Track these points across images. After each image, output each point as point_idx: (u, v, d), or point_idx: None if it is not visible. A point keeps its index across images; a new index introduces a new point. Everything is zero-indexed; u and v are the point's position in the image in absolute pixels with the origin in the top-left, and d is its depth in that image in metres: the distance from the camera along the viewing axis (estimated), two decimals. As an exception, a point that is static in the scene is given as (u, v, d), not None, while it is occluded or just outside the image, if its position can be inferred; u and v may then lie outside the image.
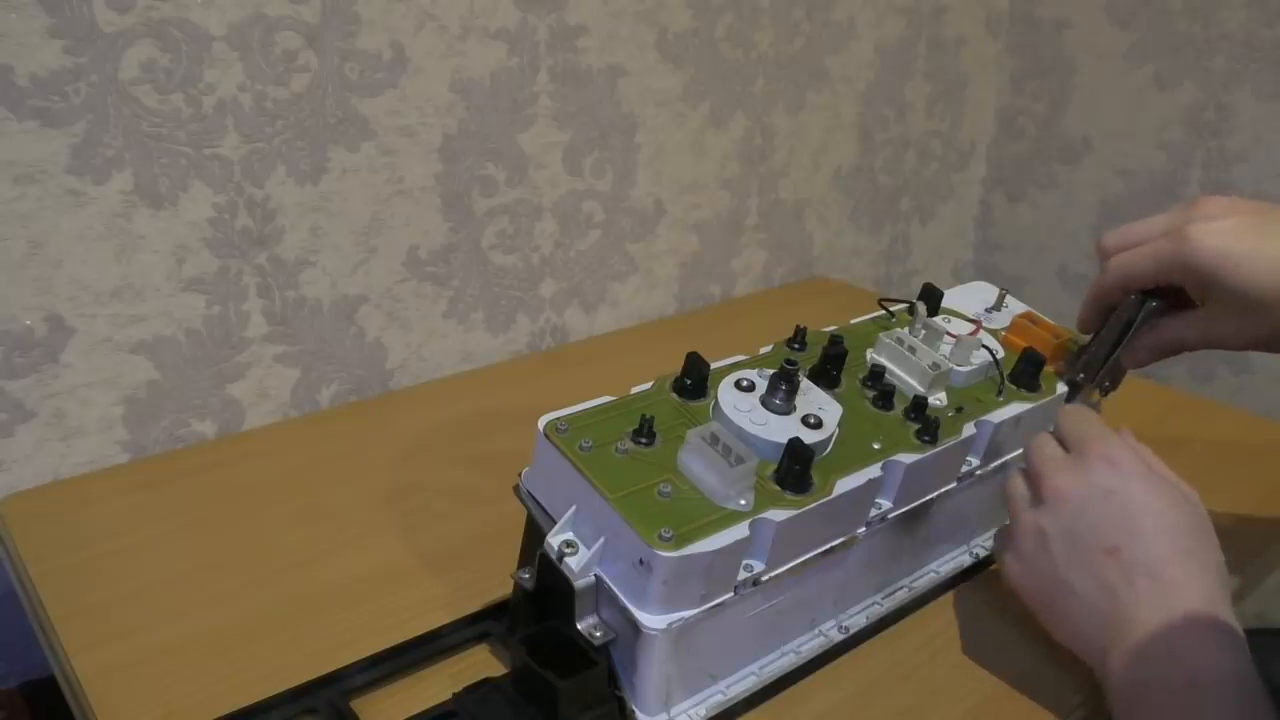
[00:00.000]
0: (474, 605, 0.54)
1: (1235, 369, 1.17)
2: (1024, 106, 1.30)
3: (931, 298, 0.60)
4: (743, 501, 0.45)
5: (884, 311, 0.61)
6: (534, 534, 0.48)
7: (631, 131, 0.91)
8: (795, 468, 0.46)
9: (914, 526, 0.54)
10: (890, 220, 1.26)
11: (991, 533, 0.61)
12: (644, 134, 0.92)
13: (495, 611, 0.53)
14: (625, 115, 0.89)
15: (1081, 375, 0.59)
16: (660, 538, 0.41)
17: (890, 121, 1.19)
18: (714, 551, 0.42)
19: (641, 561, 0.42)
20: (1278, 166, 1.10)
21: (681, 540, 0.42)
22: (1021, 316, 0.62)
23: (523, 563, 0.49)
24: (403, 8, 0.72)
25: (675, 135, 0.94)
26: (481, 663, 0.51)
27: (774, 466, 0.46)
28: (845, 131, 1.13)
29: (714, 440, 0.45)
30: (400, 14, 0.72)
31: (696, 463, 0.45)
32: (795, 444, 0.46)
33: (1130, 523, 0.47)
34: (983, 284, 0.66)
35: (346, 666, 0.49)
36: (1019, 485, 0.52)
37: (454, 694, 0.46)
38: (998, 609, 0.56)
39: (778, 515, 0.44)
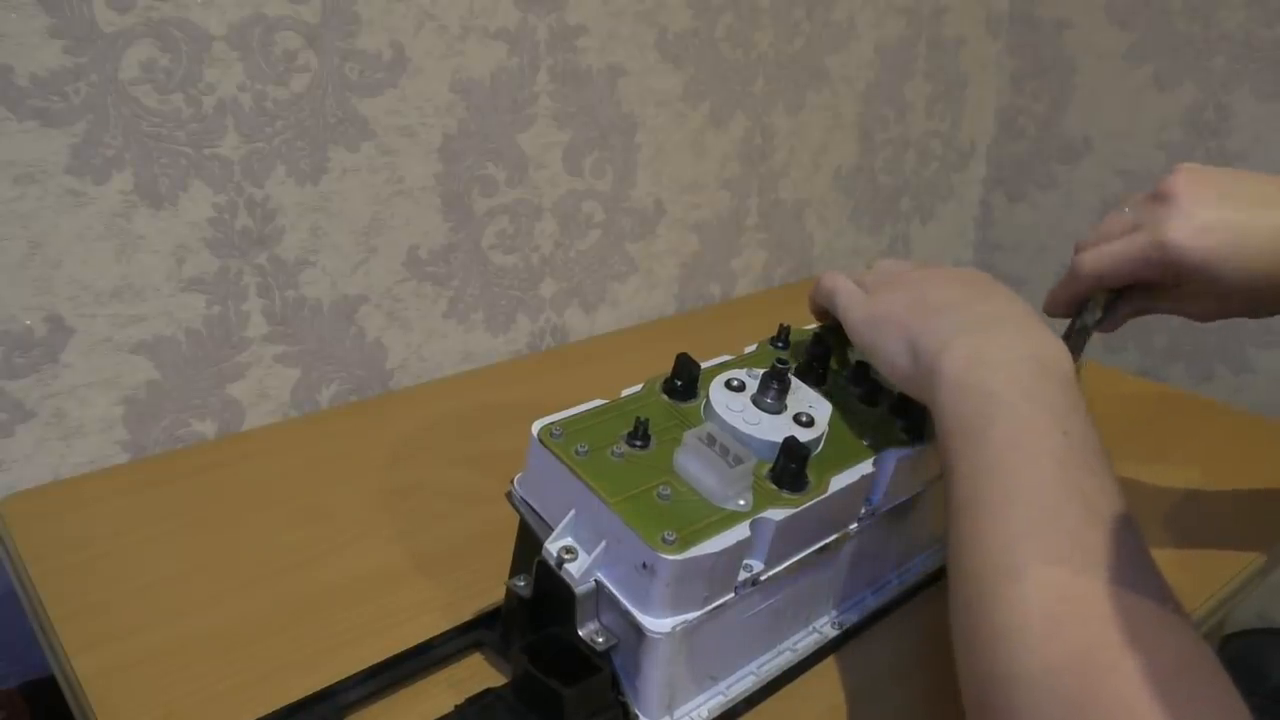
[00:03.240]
0: (475, 605, 0.54)
1: (1235, 368, 1.17)
2: (1024, 106, 1.30)
3: None
4: (741, 502, 0.45)
5: None
6: (528, 540, 0.48)
7: (631, 131, 0.91)
8: (792, 466, 0.46)
9: (903, 521, 0.55)
10: (890, 220, 1.26)
11: None
12: (644, 134, 0.92)
13: (488, 620, 0.53)
14: (625, 115, 0.89)
15: None
16: (663, 540, 0.41)
17: (890, 121, 1.19)
18: (717, 553, 0.42)
19: (644, 565, 0.42)
20: (1277, 166, 1.09)
21: (685, 543, 0.42)
22: None
23: (516, 570, 0.49)
24: (403, 8, 0.72)
25: (675, 135, 0.94)
26: (476, 673, 0.51)
27: (770, 466, 0.46)
28: (845, 131, 1.13)
29: (711, 441, 0.45)
30: (400, 14, 0.72)
31: (694, 464, 0.45)
32: (791, 442, 0.46)
33: (989, 282, 0.51)
34: None
35: (339, 682, 0.48)
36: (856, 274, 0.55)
37: (456, 706, 0.46)
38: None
39: (777, 514, 0.45)
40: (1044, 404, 0.42)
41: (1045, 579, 0.37)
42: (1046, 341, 0.46)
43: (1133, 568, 0.37)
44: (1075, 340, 0.56)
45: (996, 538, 0.39)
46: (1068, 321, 0.58)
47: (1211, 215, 0.50)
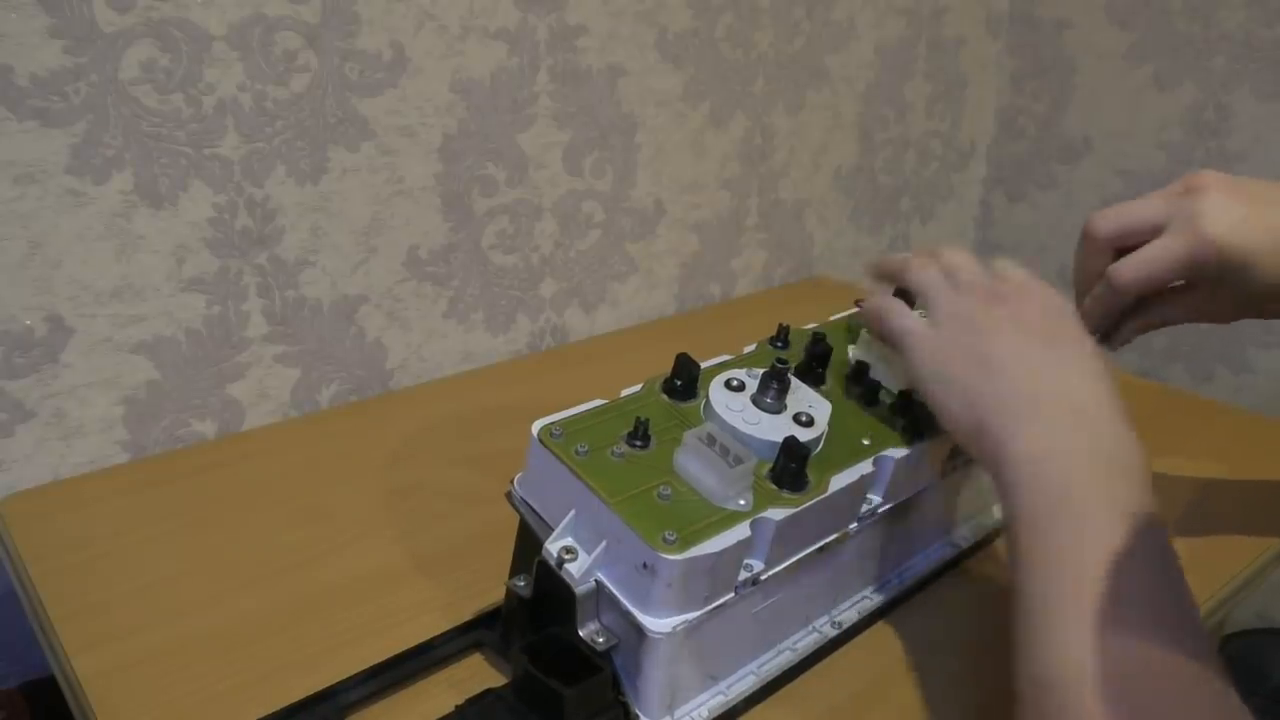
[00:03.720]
0: (475, 605, 0.54)
1: (1235, 369, 1.17)
2: (1024, 106, 1.30)
3: (908, 294, 0.60)
4: (742, 501, 0.45)
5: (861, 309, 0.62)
6: (528, 540, 0.48)
7: (631, 131, 0.91)
8: (792, 466, 0.46)
9: (901, 520, 0.55)
10: (890, 220, 1.26)
11: (973, 523, 0.62)
12: (644, 134, 0.92)
13: (488, 620, 0.53)
14: (625, 115, 0.89)
15: None
16: (664, 540, 0.41)
17: (890, 121, 1.19)
18: (717, 553, 0.42)
19: (645, 565, 0.42)
20: (1277, 166, 1.10)
21: (685, 542, 0.42)
22: None
23: (516, 570, 0.49)
24: (403, 8, 0.72)
25: (675, 135, 0.94)
26: (476, 673, 0.51)
27: (770, 465, 0.46)
28: (845, 131, 1.13)
29: (711, 441, 0.45)
30: (400, 14, 0.72)
31: (694, 464, 0.45)
32: (791, 442, 0.46)
33: (1059, 324, 0.49)
34: None
35: (339, 682, 0.48)
36: (946, 281, 0.52)
37: (456, 706, 0.46)
38: (987, 601, 0.57)
39: (777, 514, 0.44)
40: (1110, 502, 0.41)
41: (1109, 692, 0.36)
42: (1118, 431, 0.44)
43: (1196, 681, 0.36)
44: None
45: (1059, 646, 0.39)
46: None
47: (1248, 210, 0.50)
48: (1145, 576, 0.39)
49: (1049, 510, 0.42)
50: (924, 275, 0.53)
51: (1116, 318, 0.57)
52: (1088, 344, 0.48)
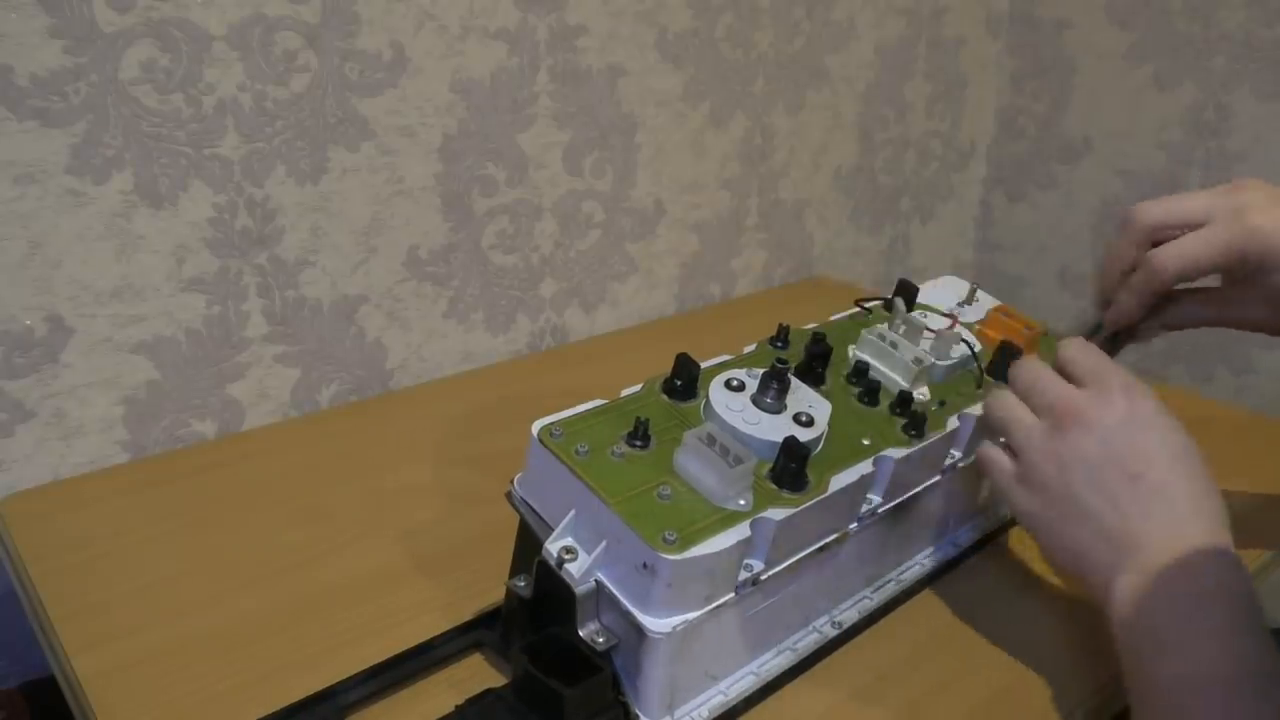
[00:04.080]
0: (474, 606, 0.54)
1: (1235, 369, 1.17)
2: (1024, 106, 1.30)
3: (907, 293, 0.61)
4: (742, 501, 0.45)
5: (861, 309, 0.62)
6: (528, 541, 0.48)
7: (631, 131, 0.91)
8: (792, 466, 0.46)
9: (901, 520, 0.55)
10: (890, 220, 1.26)
11: (972, 524, 0.62)
12: (644, 134, 0.92)
13: (488, 620, 0.53)
14: (625, 115, 0.89)
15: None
16: (664, 540, 0.41)
17: (890, 121, 1.19)
18: (717, 553, 0.42)
19: (645, 565, 0.42)
20: (1277, 166, 1.10)
21: (685, 542, 0.42)
22: (996, 310, 0.63)
23: (516, 570, 0.49)
24: (403, 8, 0.72)
25: (675, 135, 0.94)
26: (476, 673, 0.51)
27: (770, 465, 0.46)
28: (845, 131, 1.13)
29: (711, 441, 0.45)
30: (400, 14, 0.72)
31: (694, 464, 0.45)
32: (791, 442, 0.46)
33: (1154, 452, 0.47)
34: (954, 279, 0.67)
35: (339, 682, 0.48)
36: (1024, 413, 0.51)
37: (456, 706, 0.46)
38: (987, 601, 0.57)
39: (777, 514, 0.45)
40: (1210, 632, 0.42)
41: None
42: (1209, 550, 0.45)
43: None
44: (1114, 345, 0.57)
45: None
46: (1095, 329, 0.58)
47: None
48: (1248, 702, 0.40)
49: (1147, 652, 0.43)
50: (1000, 411, 0.52)
51: (1148, 308, 0.57)
52: (1170, 464, 0.47)
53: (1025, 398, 0.51)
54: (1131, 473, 0.47)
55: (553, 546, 0.45)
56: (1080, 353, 0.51)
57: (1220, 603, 0.43)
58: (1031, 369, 0.52)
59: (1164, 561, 0.44)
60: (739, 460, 0.44)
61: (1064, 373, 0.51)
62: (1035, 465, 0.50)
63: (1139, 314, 0.57)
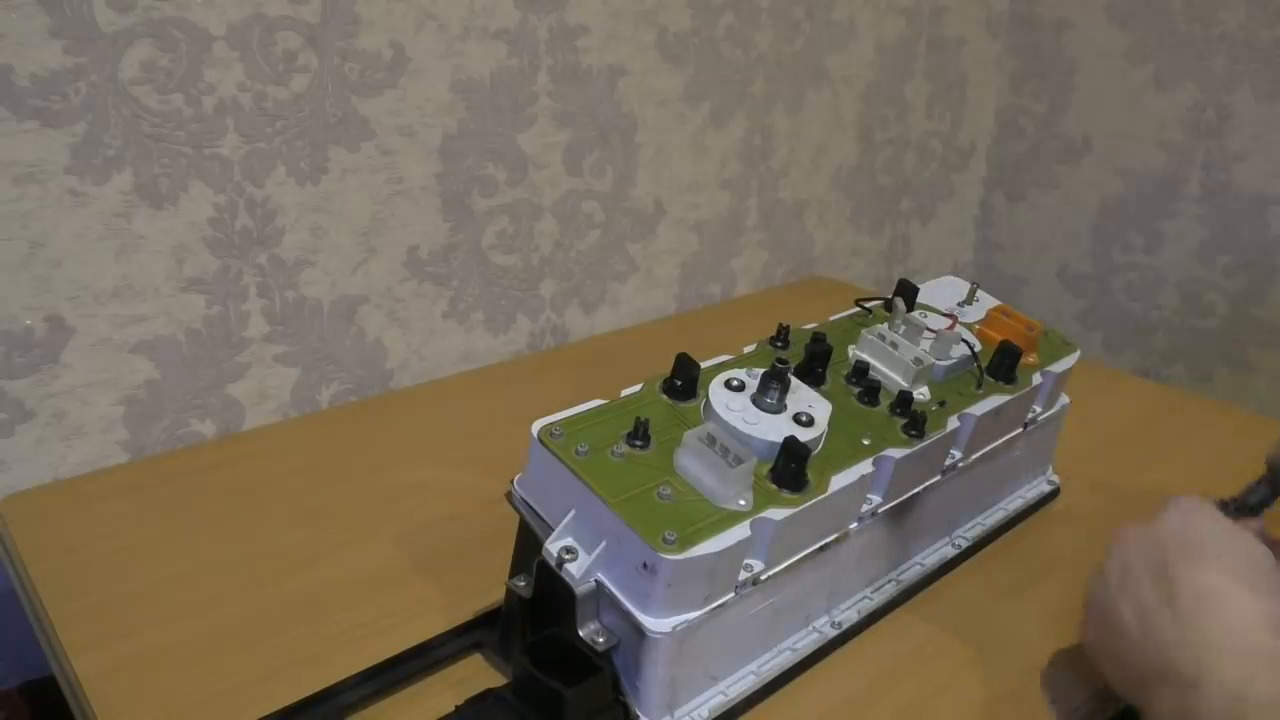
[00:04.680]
0: (474, 606, 0.54)
1: (1235, 369, 1.17)
2: (1024, 106, 1.30)
3: (907, 293, 0.61)
4: (742, 501, 0.45)
5: (861, 309, 0.62)
6: (528, 541, 0.48)
7: (631, 131, 0.91)
8: (792, 466, 0.46)
9: (901, 520, 0.55)
10: (890, 220, 1.26)
11: (973, 524, 0.62)
12: (644, 134, 0.92)
13: (487, 620, 0.53)
14: (625, 115, 0.89)
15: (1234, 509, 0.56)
16: (664, 540, 0.41)
17: (890, 121, 1.19)
18: (717, 553, 0.42)
19: (645, 565, 0.42)
20: (1278, 166, 1.10)
21: (685, 542, 0.42)
22: (996, 310, 0.63)
23: (516, 570, 0.49)
24: (403, 8, 0.72)
25: (675, 135, 0.94)
26: (476, 673, 0.51)
27: (770, 465, 0.46)
28: (845, 131, 1.13)
29: (711, 441, 0.45)
30: (400, 14, 0.72)
31: (694, 464, 0.45)
32: (792, 442, 0.46)
33: (1186, 547, 0.44)
34: (954, 279, 0.67)
35: (339, 682, 0.48)
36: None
37: (456, 706, 0.46)
38: (987, 601, 0.57)
39: (777, 514, 0.44)
40: None
41: None
42: (1236, 678, 0.39)
43: None
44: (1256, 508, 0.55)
45: None
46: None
47: None
48: None
49: None
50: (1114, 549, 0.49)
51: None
52: (1217, 552, 0.44)
53: None
54: (1157, 568, 0.44)
55: (553, 546, 0.45)
56: None
57: (1250, 711, 0.38)
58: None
59: (1195, 690, 0.40)
60: (739, 460, 0.44)
61: None
62: (1096, 598, 0.47)
63: None
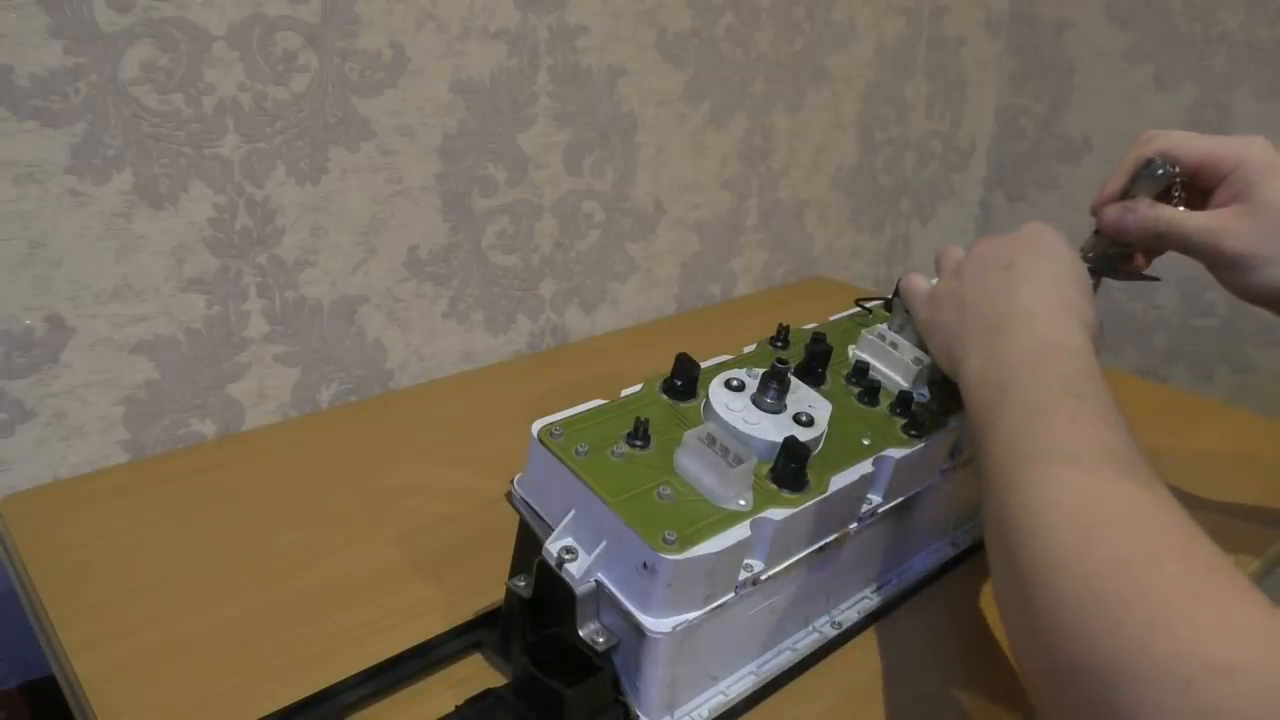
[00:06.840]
0: (474, 606, 0.54)
1: (1235, 369, 1.17)
2: (1024, 106, 1.30)
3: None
4: (742, 501, 0.45)
5: (861, 309, 0.62)
6: (528, 541, 0.48)
7: (631, 131, 0.91)
8: (792, 466, 0.46)
9: (901, 520, 0.55)
10: (890, 220, 1.26)
11: (972, 524, 0.62)
12: (644, 134, 0.92)
13: (487, 620, 0.53)
14: (625, 115, 0.89)
15: (1091, 262, 0.59)
16: (664, 540, 0.41)
17: (890, 121, 1.19)
18: (717, 553, 0.42)
19: (645, 565, 0.42)
20: (1278, 166, 1.09)
21: (685, 542, 0.42)
22: None
23: (516, 570, 0.49)
24: (403, 8, 0.72)
25: (675, 135, 0.94)
26: (476, 673, 0.51)
27: (770, 465, 0.46)
28: (845, 131, 1.13)
29: (711, 441, 0.45)
30: (400, 14, 0.72)
31: (694, 464, 0.45)
32: (792, 442, 0.46)
33: (1032, 248, 0.51)
34: None
35: (339, 682, 0.48)
36: (954, 249, 0.56)
37: (456, 706, 0.46)
38: (987, 601, 0.57)
39: (777, 514, 0.44)
40: (1052, 376, 0.44)
41: (1075, 507, 0.38)
42: (1056, 324, 0.47)
43: (1150, 489, 0.38)
44: (1102, 264, 0.58)
45: (1021, 491, 0.40)
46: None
47: None
48: (1095, 429, 0.41)
49: (995, 401, 0.45)
50: (945, 251, 0.57)
51: (1130, 179, 0.62)
52: (1049, 257, 0.51)
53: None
54: (1004, 262, 0.51)
55: (553, 546, 0.45)
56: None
57: (1054, 356, 0.45)
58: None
59: (1012, 326, 0.47)
60: (739, 460, 0.44)
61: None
62: (945, 281, 0.54)
63: (1120, 188, 0.62)
